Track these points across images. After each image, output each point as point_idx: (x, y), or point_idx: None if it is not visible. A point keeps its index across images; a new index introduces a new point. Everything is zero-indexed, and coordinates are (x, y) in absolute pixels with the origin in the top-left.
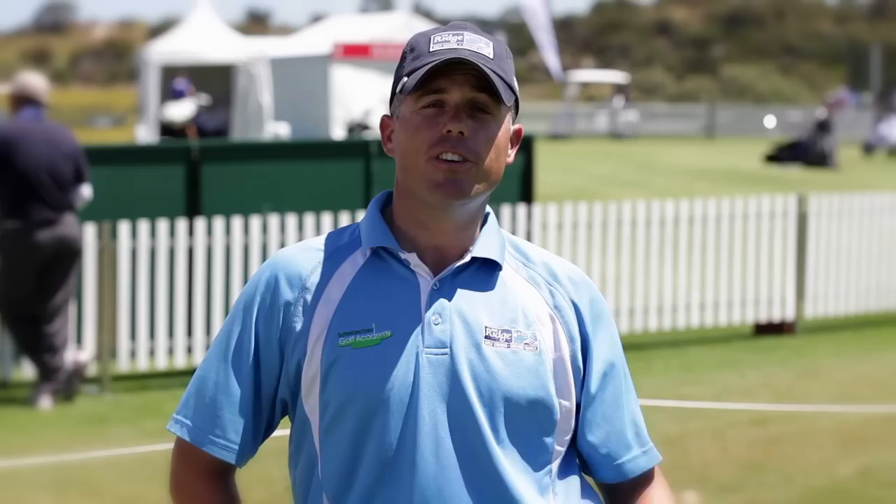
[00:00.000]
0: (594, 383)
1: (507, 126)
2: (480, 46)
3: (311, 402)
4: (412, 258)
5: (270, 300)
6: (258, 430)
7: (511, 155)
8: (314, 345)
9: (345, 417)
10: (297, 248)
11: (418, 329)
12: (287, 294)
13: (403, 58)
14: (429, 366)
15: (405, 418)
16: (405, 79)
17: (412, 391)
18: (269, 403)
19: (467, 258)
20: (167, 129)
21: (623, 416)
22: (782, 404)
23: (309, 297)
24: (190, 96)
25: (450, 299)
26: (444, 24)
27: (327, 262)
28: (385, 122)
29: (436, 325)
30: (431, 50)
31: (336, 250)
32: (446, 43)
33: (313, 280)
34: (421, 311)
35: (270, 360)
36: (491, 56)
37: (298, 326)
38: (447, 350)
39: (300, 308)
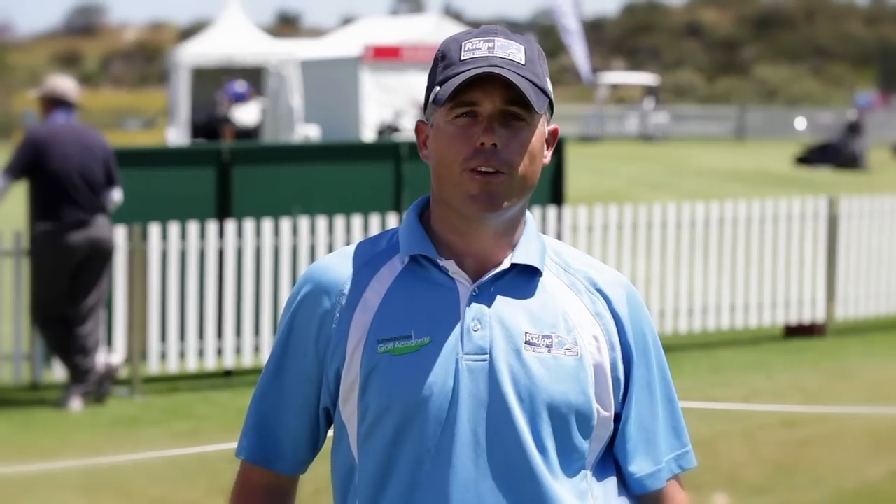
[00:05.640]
0: (635, 396)
1: (542, 130)
2: (512, 52)
3: (348, 409)
4: (450, 265)
5: (310, 312)
6: (312, 443)
7: (547, 156)
8: (353, 351)
9: (382, 424)
10: (334, 256)
11: (457, 335)
12: (325, 303)
13: (435, 64)
14: (468, 372)
15: (444, 425)
16: (437, 88)
17: (452, 398)
18: (316, 414)
19: (507, 265)
20: (242, 133)
21: (661, 428)
22: (812, 406)
23: (347, 304)
24: (252, 99)
25: (489, 305)
26: (475, 26)
27: (365, 268)
28: (420, 127)
29: (475, 331)
30: (463, 58)
31: (374, 257)
32: (477, 50)
33: (351, 287)
34: (460, 318)
35: (315, 372)
36: (522, 62)
37: (337, 334)
38: (487, 356)
39: (338, 315)
